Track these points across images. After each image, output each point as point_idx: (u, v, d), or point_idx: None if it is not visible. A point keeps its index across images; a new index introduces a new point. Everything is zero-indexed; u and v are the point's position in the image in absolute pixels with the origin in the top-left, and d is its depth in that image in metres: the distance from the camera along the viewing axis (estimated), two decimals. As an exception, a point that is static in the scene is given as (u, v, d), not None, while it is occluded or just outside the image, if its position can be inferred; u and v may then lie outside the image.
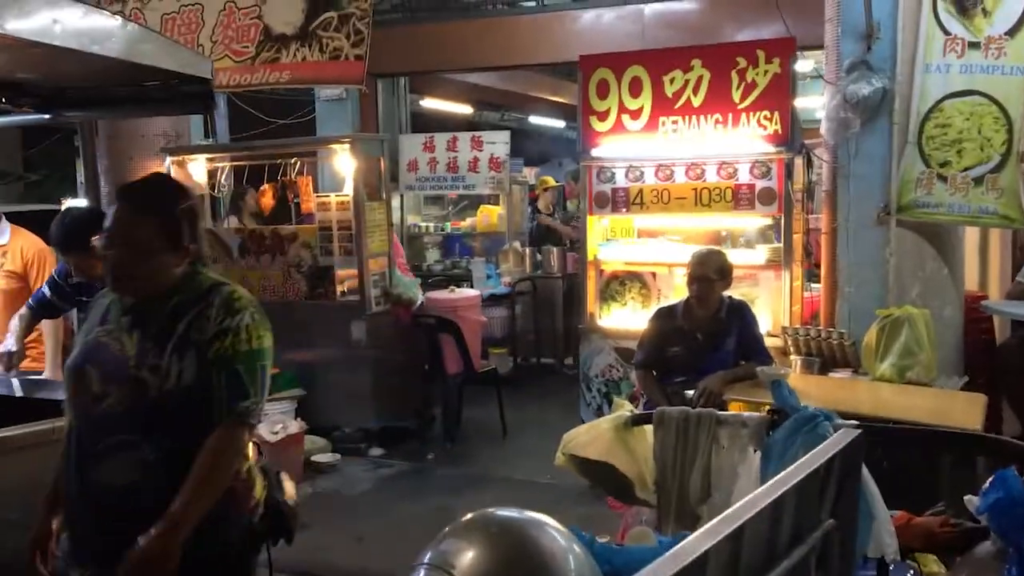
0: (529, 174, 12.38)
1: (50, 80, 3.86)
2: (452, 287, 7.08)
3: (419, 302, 6.66)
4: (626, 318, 5.61)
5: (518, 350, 8.45)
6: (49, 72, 3.73)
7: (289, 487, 2.32)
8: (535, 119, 15.71)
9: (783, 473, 1.58)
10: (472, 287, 8.16)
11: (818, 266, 5.54)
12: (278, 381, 6.38)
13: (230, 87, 7.00)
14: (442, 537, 1.40)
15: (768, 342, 4.93)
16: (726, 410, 3.86)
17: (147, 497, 2.07)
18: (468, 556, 1.36)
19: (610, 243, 5.71)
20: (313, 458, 6.12)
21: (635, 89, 5.46)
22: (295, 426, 5.94)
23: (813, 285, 5.72)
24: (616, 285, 5.70)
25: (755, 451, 2.23)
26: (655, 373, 4.55)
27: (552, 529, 1.46)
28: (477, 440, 6.78)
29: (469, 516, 1.46)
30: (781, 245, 5.19)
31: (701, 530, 1.29)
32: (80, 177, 7.28)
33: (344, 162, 6.36)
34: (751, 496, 1.51)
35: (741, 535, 1.37)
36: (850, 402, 4.13)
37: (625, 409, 2.68)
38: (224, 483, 2.11)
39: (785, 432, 2.12)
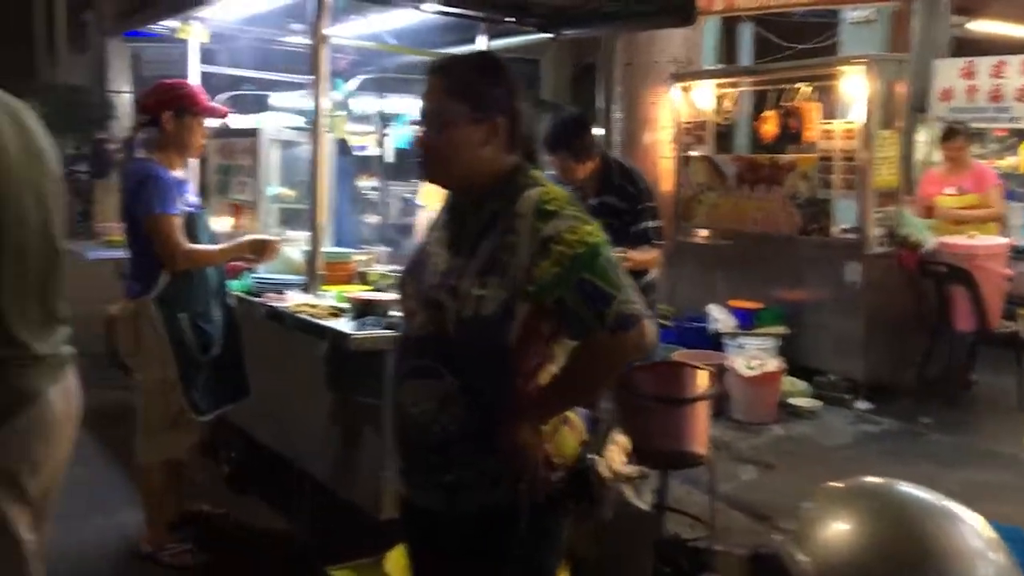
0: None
1: (550, 1, 4.03)
2: (973, 233, 6.12)
3: (928, 246, 5.88)
4: None
5: (1057, 314, 7.09)
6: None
7: (615, 454, 2.00)
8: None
9: None
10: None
11: None
12: (761, 316, 6.18)
13: (750, 9, 6.75)
14: (809, 506, 1.11)
15: None
16: None
17: (441, 431, 1.86)
18: (833, 532, 1.06)
19: None
20: (790, 400, 5.83)
21: None
22: (773, 364, 5.69)
23: None
24: None
25: None
26: None
27: (966, 525, 1.08)
28: (984, 409, 5.89)
29: (853, 482, 1.14)
30: None
31: None
32: (599, 103, 7.72)
33: (856, 86, 5.79)
34: None
35: None
36: None
37: None
38: (592, 395, 1.94)
39: None
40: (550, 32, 4.18)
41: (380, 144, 8.96)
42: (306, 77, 6.38)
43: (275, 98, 6.36)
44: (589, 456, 1.90)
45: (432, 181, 1.99)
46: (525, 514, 1.85)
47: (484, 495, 1.87)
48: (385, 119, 8.74)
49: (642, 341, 1.83)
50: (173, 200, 3.43)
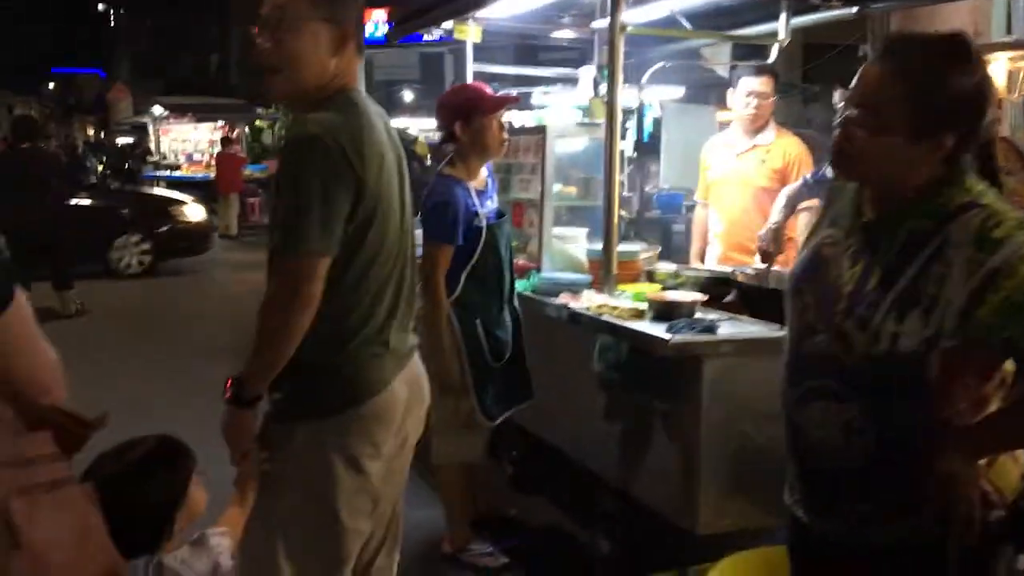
0: None
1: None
2: None
3: None
4: None
5: None
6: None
7: None
8: None
9: None
10: None
11: None
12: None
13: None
14: None
15: None
16: None
17: (850, 458, 1.65)
18: None
19: None
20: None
21: None
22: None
23: None
24: None
25: None
26: None
27: None
28: None
29: None
30: None
31: None
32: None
33: None
34: None
35: None
36: None
37: None
38: None
39: None
40: (856, 6, 3.84)
41: (623, 136, 8.77)
42: (564, 71, 6.35)
43: (536, 95, 6.33)
44: None
45: (842, 175, 1.78)
46: (954, 557, 1.61)
47: (901, 528, 1.66)
48: (628, 111, 8.52)
49: None
50: (455, 231, 3.37)
